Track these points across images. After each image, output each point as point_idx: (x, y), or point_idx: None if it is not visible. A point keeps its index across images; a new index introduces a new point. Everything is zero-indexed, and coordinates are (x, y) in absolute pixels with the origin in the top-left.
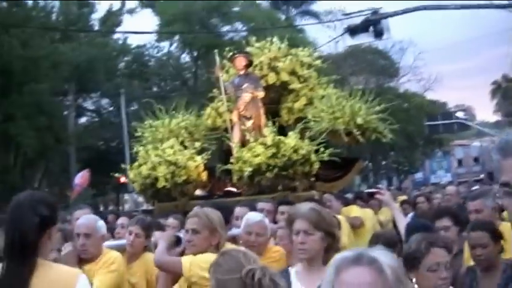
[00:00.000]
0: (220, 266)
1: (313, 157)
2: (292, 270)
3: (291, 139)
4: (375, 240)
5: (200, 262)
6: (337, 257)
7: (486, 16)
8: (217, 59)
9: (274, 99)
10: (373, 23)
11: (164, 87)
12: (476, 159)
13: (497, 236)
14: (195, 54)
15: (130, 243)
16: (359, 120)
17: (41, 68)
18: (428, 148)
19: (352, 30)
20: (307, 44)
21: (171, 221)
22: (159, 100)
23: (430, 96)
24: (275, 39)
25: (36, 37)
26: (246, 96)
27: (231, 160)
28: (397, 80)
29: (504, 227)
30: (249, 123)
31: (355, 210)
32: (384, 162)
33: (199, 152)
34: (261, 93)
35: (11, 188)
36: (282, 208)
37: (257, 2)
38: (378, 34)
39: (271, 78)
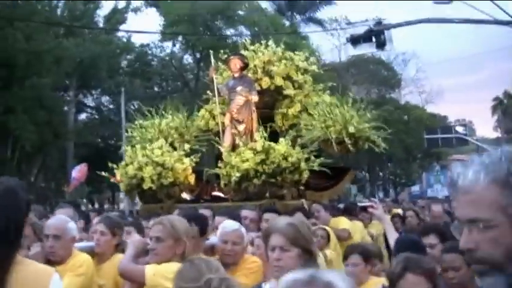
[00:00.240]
0: (182, 275)
1: (303, 165)
2: (266, 287)
3: (281, 146)
4: (351, 250)
5: (164, 272)
6: (289, 277)
7: (490, 32)
8: (213, 60)
9: (269, 103)
10: (376, 34)
11: (165, 88)
12: None
13: None
14: (198, 56)
15: (96, 242)
16: (351, 129)
17: (43, 63)
18: (426, 161)
19: (355, 40)
20: (309, 51)
21: (151, 223)
22: (159, 100)
23: (430, 109)
24: (270, 42)
25: (41, 31)
26: (239, 99)
27: (219, 164)
28: (398, 91)
29: None
30: (240, 127)
31: (343, 222)
32: (381, 174)
33: (189, 154)
34: (255, 97)
35: None
36: (266, 216)
37: (263, 6)
38: (381, 45)
39: (265, 82)
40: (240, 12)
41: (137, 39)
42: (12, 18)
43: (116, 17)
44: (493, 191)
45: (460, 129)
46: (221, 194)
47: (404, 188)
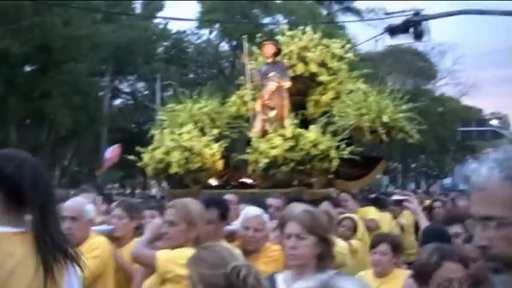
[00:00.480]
0: (203, 261)
1: (333, 153)
2: (279, 277)
3: (312, 133)
4: (380, 239)
5: (176, 258)
6: (301, 286)
7: None
8: (245, 45)
9: (301, 90)
10: (414, 24)
11: (201, 75)
12: None
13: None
14: (234, 43)
15: (115, 226)
16: (385, 118)
17: (80, 48)
18: (460, 154)
19: (392, 30)
20: (347, 40)
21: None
22: (194, 87)
23: (466, 101)
24: (308, 28)
25: (78, 17)
26: (271, 85)
27: (247, 150)
28: (434, 83)
29: None
30: (271, 114)
31: (371, 212)
32: (413, 165)
33: (218, 139)
34: (287, 83)
35: None
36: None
37: None
38: (418, 36)
39: (300, 68)
40: (277, 1)
41: (174, 26)
42: (50, 4)
43: (154, 3)
44: (507, 188)
45: (495, 122)
46: (249, 181)
47: (436, 181)
